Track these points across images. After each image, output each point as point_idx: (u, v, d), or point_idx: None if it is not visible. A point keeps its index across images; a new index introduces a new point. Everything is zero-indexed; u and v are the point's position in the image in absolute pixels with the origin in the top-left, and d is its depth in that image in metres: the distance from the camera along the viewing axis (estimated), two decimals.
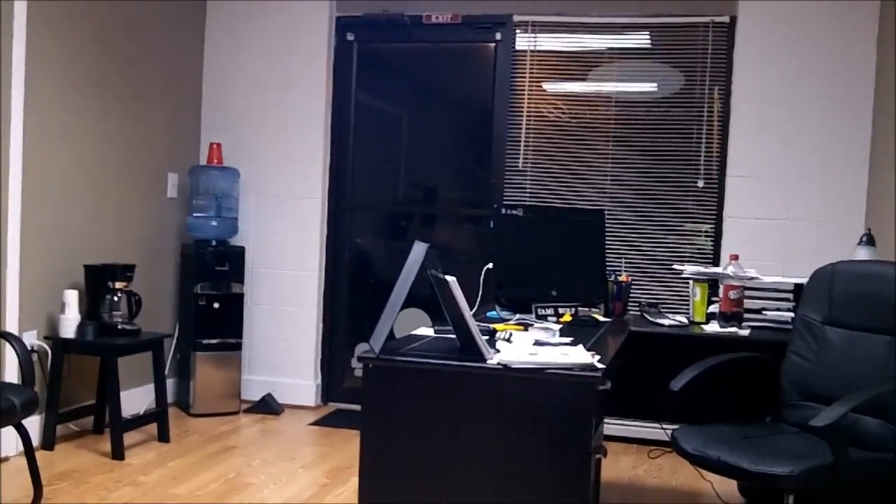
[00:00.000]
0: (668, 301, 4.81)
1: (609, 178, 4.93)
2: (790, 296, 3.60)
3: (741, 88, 4.71)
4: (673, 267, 4.33)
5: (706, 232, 4.83)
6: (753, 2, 4.69)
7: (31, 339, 4.10)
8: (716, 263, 4.70)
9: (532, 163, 5.02)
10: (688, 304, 3.80)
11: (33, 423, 4.06)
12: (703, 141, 4.82)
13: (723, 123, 4.79)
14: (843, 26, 4.57)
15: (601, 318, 3.40)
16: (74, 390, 4.39)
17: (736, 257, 3.66)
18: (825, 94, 4.60)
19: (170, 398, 5.06)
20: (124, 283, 4.33)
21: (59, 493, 3.53)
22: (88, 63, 4.41)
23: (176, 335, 5.19)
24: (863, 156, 4.55)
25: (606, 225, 4.23)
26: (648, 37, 4.89)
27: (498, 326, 2.90)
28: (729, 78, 4.77)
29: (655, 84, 4.90)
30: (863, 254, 3.63)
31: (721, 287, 3.54)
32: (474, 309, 3.28)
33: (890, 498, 2.74)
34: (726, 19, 4.77)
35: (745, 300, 3.54)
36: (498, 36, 5.09)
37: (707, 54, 4.80)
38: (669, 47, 4.86)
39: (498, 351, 2.40)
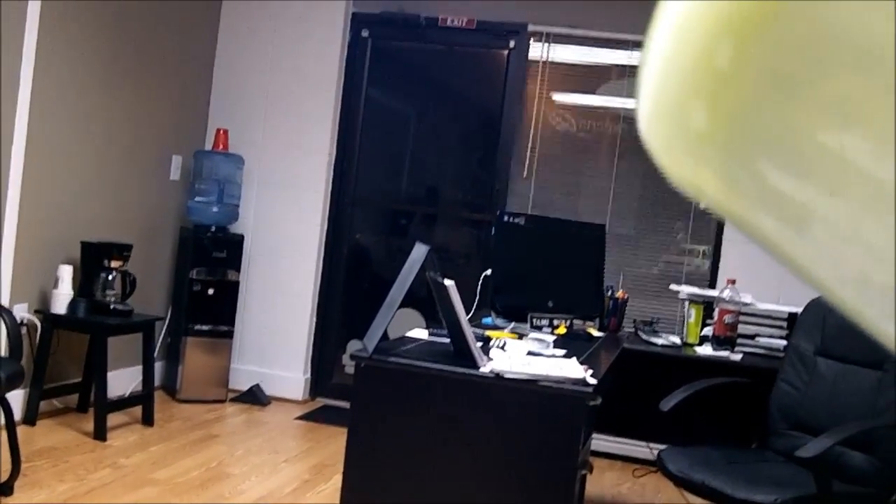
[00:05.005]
0: (663, 320, 4.80)
1: (612, 192, 4.93)
2: (784, 324, 3.60)
3: None
4: (670, 287, 4.33)
5: (704, 253, 4.83)
6: None
7: (22, 311, 4.08)
8: (713, 286, 4.69)
9: (537, 172, 5.01)
10: (682, 325, 3.80)
11: (17, 397, 4.04)
12: None
13: None
14: None
15: (595, 333, 3.39)
16: (61, 367, 4.37)
17: (733, 281, 3.66)
18: None
19: (157, 382, 5.03)
20: (120, 263, 4.31)
21: (37, 471, 3.51)
22: (99, 40, 4.40)
23: (168, 319, 5.17)
24: None
25: (606, 239, 4.23)
26: None
27: (492, 333, 2.89)
28: None
29: None
30: None
31: (716, 310, 3.54)
32: (470, 314, 3.27)
33: None
34: None
35: (739, 325, 3.53)
36: (511, 44, 5.08)
37: None
38: None
39: (491, 359, 2.39)
